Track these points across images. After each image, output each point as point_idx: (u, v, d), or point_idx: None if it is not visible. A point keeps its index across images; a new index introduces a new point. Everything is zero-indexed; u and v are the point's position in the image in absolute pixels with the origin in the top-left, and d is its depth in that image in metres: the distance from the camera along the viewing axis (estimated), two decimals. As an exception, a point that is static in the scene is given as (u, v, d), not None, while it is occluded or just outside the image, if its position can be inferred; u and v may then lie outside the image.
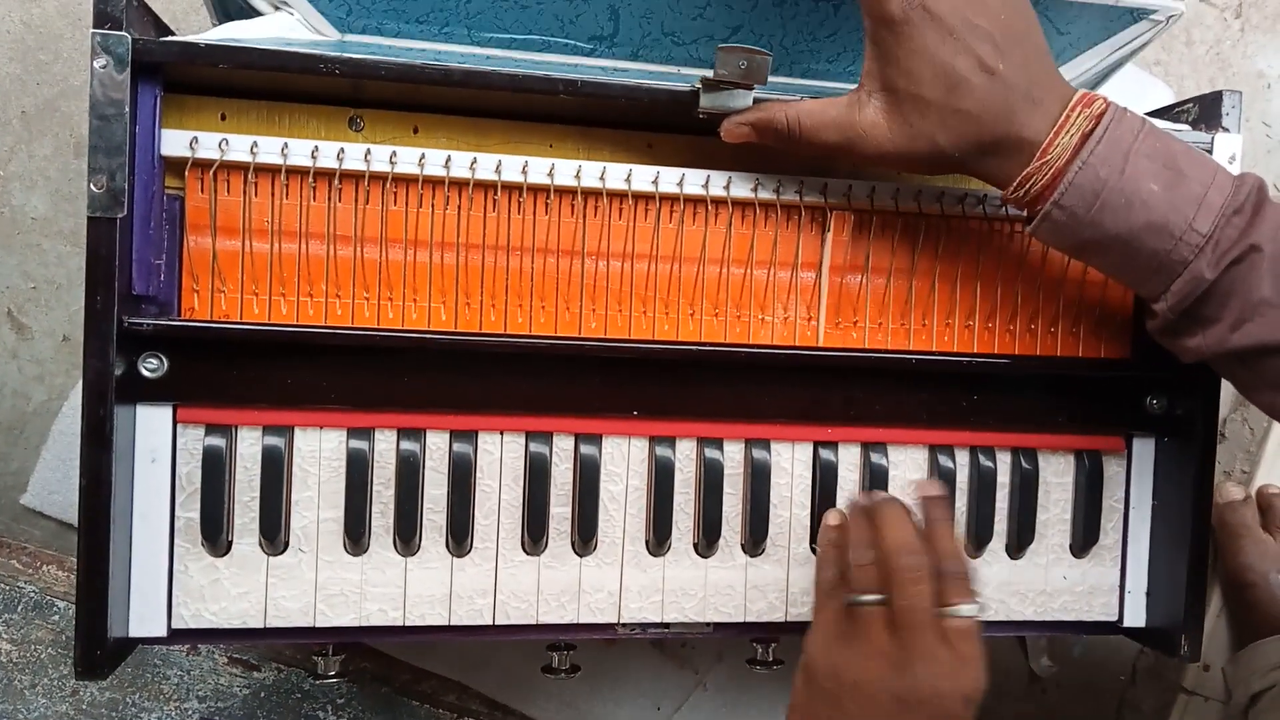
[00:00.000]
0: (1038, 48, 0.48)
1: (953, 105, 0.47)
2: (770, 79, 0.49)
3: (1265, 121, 0.89)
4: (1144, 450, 0.59)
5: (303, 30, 0.55)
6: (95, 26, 0.45)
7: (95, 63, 0.45)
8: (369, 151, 0.50)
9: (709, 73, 0.49)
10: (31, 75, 0.71)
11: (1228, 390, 0.57)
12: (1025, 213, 0.50)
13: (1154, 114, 0.62)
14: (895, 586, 0.48)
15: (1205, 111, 0.58)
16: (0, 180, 0.71)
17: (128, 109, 0.46)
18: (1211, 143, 0.56)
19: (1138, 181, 0.46)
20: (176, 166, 0.50)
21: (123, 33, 0.46)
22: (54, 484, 0.71)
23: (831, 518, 0.53)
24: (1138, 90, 0.75)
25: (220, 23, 0.59)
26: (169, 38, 0.48)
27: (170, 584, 0.50)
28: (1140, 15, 0.59)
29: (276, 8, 0.54)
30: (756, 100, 0.51)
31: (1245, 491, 0.90)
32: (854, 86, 0.60)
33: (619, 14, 0.56)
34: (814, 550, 0.56)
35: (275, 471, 0.51)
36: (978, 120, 0.47)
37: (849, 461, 0.56)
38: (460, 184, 0.51)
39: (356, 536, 0.52)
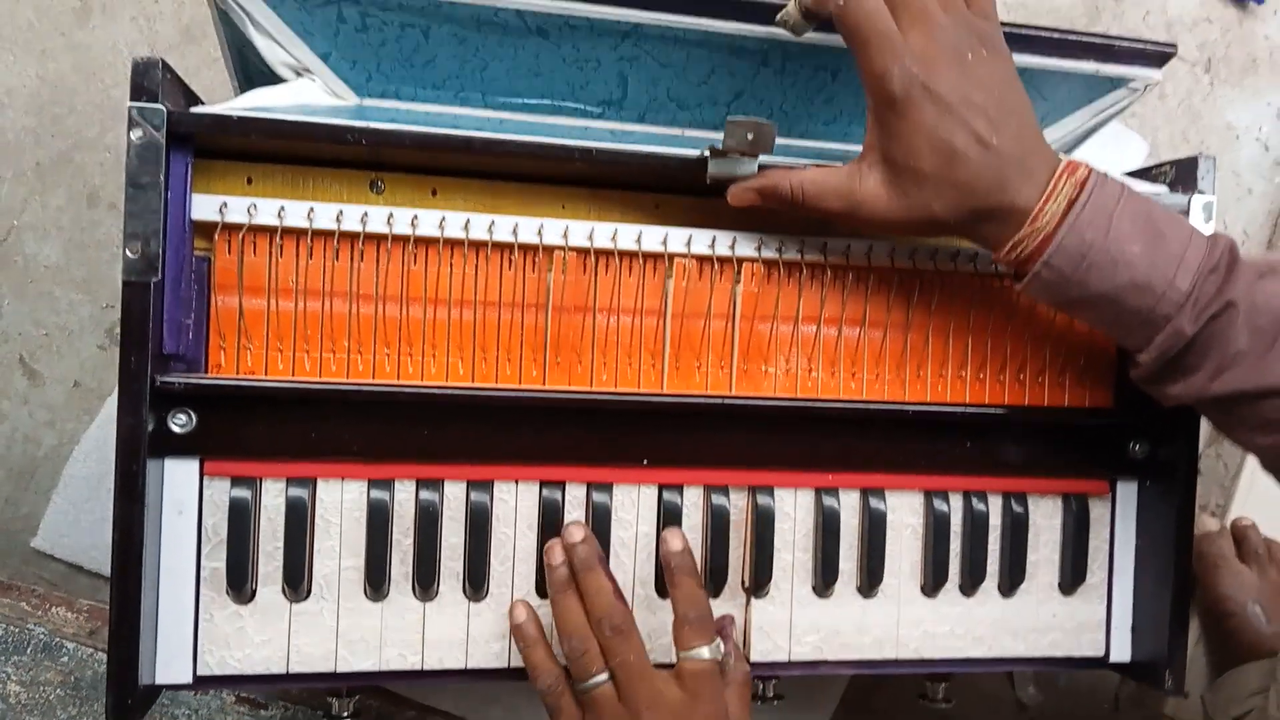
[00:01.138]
0: (1028, 120, 0.51)
1: (950, 177, 0.49)
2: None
3: (1235, 171, 0.93)
4: (1127, 493, 0.62)
5: (323, 95, 0.57)
6: (132, 99, 0.47)
7: (132, 134, 0.47)
8: (391, 215, 0.52)
9: (718, 133, 0.51)
10: (46, 128, 0.72)
11: (1203, 427, 0.60)
12: (1015, 272, 0.53)
13: (1134, 174, 0.65)
14: (606, 653, 0.51)
15: (1181, 174, 0.61)
16: (14, 230, 0.72)
17: (163, 178, 0.48)
18: (1188, 204, 0.60)
19: (1121, 243, 0.49)
20: (205, 229, 0.51)
21: (159, 105, 0.48)
22: (64, 528, 0.72)
23: (519, 612, 0.54)
24: (1114, 142, 0.79)
25: (241, 84, 0.61)
26: (201, 108, 0.50)
27: (196, 631, 0.52)
28: (1119, 83, 0.62)
29: (298, 74, 0.57)
30: (762, 166, 0.53)
31: (1221, 523, 0.93)
32: (848, 146, 0.64)
33: (627, 80, 0.59)
34: (816, 592, 0.58)
35: (299, 521, 0.52)
36: (973, 191, 0.50)
37: (849, 506, 0.59)
38: (478, 245, 0.54)
39: (377, 583, 0.53)
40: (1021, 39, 0.59)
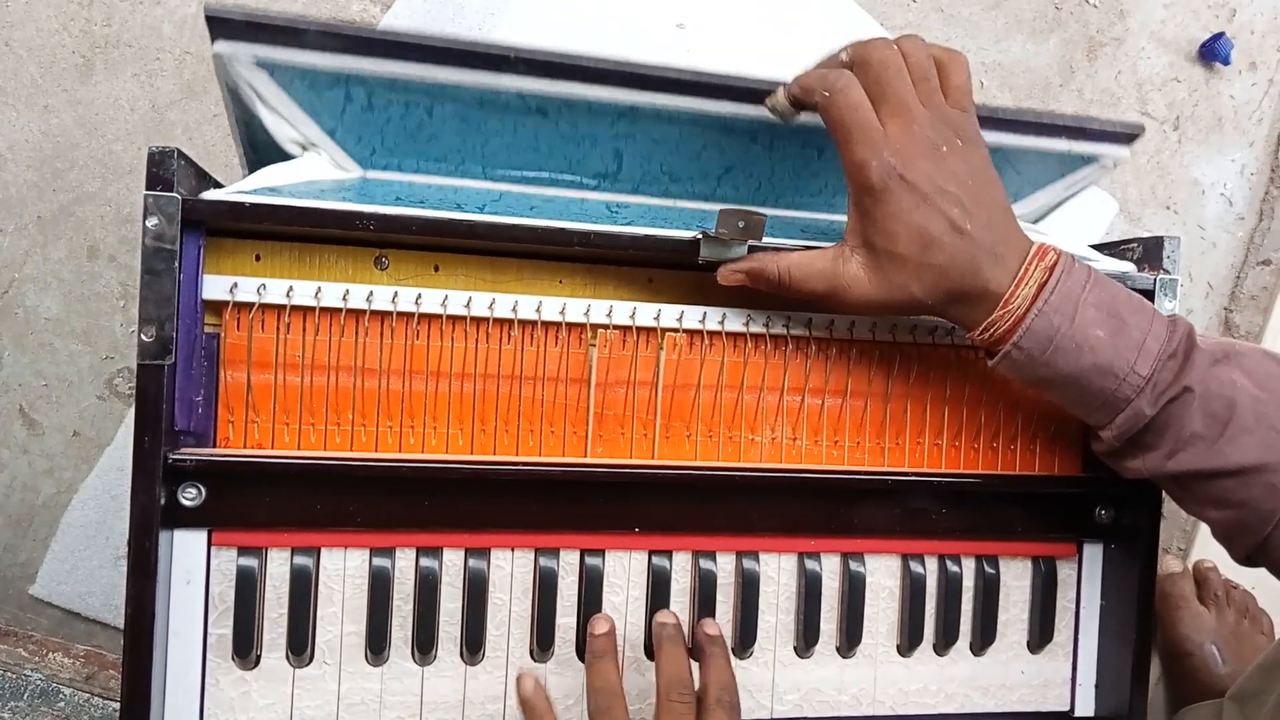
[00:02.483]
0: (1001, 207, 0.54)
1: (926, 261, 0.52)
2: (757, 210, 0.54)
3: (1200, 225, 0.97)
4: (1093, 555, 0.65)
5: (329, 168, 0.59)
6: (148, 188, 0.49)
7: (148, 221, 0.49)
8: (396, 294, 0.54)
9: (710, 204, 0.53)
10: (48, 182, 0.73)
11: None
12: (987, 351, 0.56)
13: (1104, 248, 0.68)
14: (663, 712, 0.53)
15: (1148, 253, 0.64)
16: (15, 282, 0.73)
17: (177, 263, 0.50)
18: (1154, 282, 0.63)
19: (1086, 329, 0.52)
20: (214, 307, 0.53)
21: (174, 194, 0.49)
22: (62, 575, 0.74)
23: (527, 685, 0.57)
24: (1086, 200, 0.82)
25: (246, 153, 0.63)
26: (214, 194, 0.52)
27: (202, 696, 0.54)
28: (1089, 160, 0.66)
29: (304, 149, 0.58)
30: (751, 248, 0.56)
31: (1183, 565, 0.97)
32: (832, 216, 0.66)
33: (622, 156, 0.61)
34: (797, 653, 0.61)
35: (303, 589, 0.54)
36: (948, 274, 0.52)
37: (830, 569, 0.61)
38: (480, 321, 0.56)
39: (378, 648, 0.55)
40: (996, 121, 0.62)
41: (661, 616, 0.57)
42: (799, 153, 0.62)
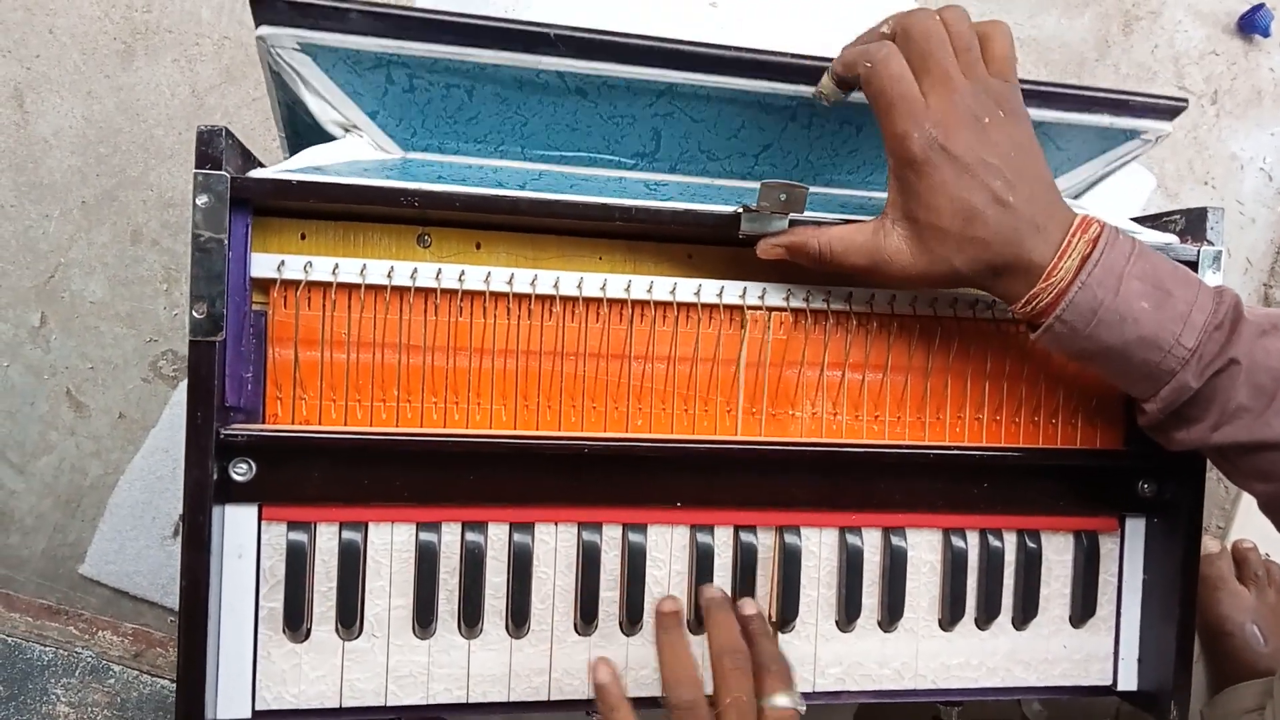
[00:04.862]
0: (1043, 179, 0.54)
1: (968, 234, 0.52)
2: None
3: (1239, 200, 0.96)
4: (1135, 530, 0.65)
5: (370, 150, 0.60)
6: (197, 167, 0.50)
7: (198, 199, 0.50)
8: (440, 271, 0.55)
9: (747, 182, 0.53)
10: (91, 167, 0.74)
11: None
12: (1030, 324, 0.56)
13: (1145, 220, 0.68)
14: (719, 681, 0.53)
15: (1191, 225, 0.64)
16: (61, 267, 0.74)
17: (226, 240, 0.50)
18: (1198, 254, 0.62)
19: (1130, 301, 0.52)
20: (262, 285, 0.54)
21: (223, 172, 0.50)
22: (110, 554, 0.75)
23: (603, 673, 0.56)
24: (1123, 175, 0.81)
25: (288, 135, 0.64)
26: (261, 173, 0.52)
27: (255, 669, 0.55)
28: (1131, 135, 0.65)
29: (346, 130, 0.59)
30: (792, 222, 0.56)
31: (1221, 545, 0.96)
32: (870, 193, 0.66)
33: (661, 135, 0.61)
34: (839, 627, 0.61)
35: (352, 563, 0.55)
36: (990, 247, 0.52)
37: (872, 544, 0.61)
38: (522, 298, 0.56)
39: (425, 621, 0.56)
40: (1040, 95, 0.61)
41: (708, 590, 0.58)
42: (837, 130, 0.62)
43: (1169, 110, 0.65)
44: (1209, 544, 0.95)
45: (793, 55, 0.57)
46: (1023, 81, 0.56)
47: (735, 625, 0.55)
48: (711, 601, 0.57)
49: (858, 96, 0.55)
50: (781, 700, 0.53)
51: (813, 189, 0.65)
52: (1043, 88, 0.61)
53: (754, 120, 0.61)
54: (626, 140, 0.61)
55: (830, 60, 0.56)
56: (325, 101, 0.57)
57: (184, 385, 0.50)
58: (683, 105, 0.59)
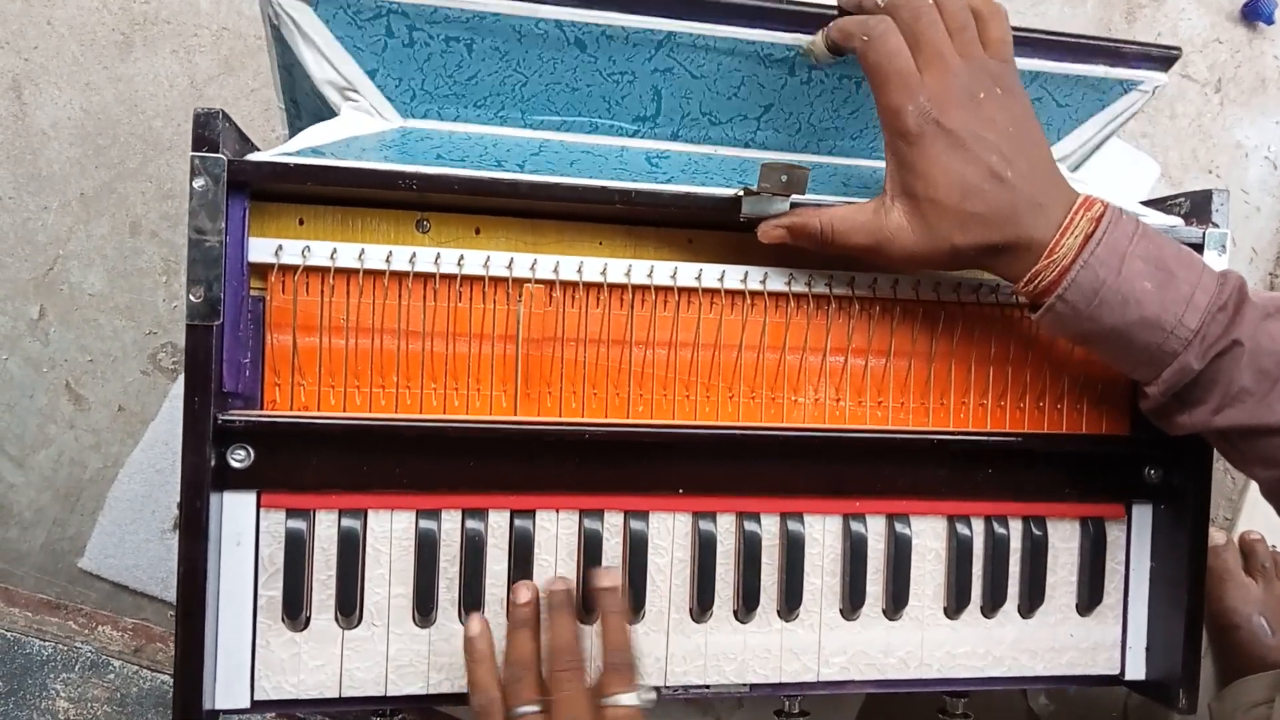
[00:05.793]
0: (1043, 157, 0.53)
1: (966, 209, 0.52)
2: (799, 157, 0.53)
3: (1244, 189, 0.96)
4: (1142, 517, 0.65)
5: (368, 121, 0.59)
6: (194, 150, 0.50)
7: (194, 183, 0.49)
8: (439, 255, 0.54)
9: (749, 151, 0.52)
10: (90, 159, 0.74)
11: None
12: (1031, 304, 0.55)
13: (1149, 203, 0.67)
14: (551, 683, 0.52)
15: (1196, 207, 0.63)
16: (59, 259, 0.74)
17: (223, 224, 0.50)
18: (1203, 237, 0.62)
19: (1132, 281, 0.51)
20: (260, 270, 0.54)
21: (220, 155, 0.50)
22: (110, 548, 0.75)
23: (474, 626, 0.54)
24: (1126, 162, 0.80)
25: (287, 106, 0.63)
26: (258, 156, 0.52)
27: (253, 658, 0.54)
28: (1129, 86, 0.64)
29: (344, 96, 0.58)
30: (792, 204, 0.55)
31: (1228, 536, 0.96)
32: (875, 163, 0.66)
33: (661, 94, 0.60)
34: (843, 615, 0.61)
35: (351, 551, 0.55)
36: (989, 223, 0.52)
37: (876, 531, 0.61)
38: (521, 282, 0.56)
39: (425, 610, 0.55)
40: (1032, 43, 0.60)
41: (553, 586, 0.56)
42: (836, 85, 0.61)
43: (1163, 59, 0.63)
44: (1215, 536, 0.95)
45: (789, 1, 0.57)
46: (1017, 30, 0.56)
47: (571, 625, 0.54)
48: (553, 597, 0.55)
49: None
50: (625, 699, 0.52)
51: (817, 159, 0.65)
52: (1037, 35, 0.61)
53: (754, 75, 0.60)
54: (627, 101, 0.60)
55: (826, 8, 0.56)
56: (324, 58, 0.56)
57: (184, 377, 0.50)
58: (682, 58, 0.58)
